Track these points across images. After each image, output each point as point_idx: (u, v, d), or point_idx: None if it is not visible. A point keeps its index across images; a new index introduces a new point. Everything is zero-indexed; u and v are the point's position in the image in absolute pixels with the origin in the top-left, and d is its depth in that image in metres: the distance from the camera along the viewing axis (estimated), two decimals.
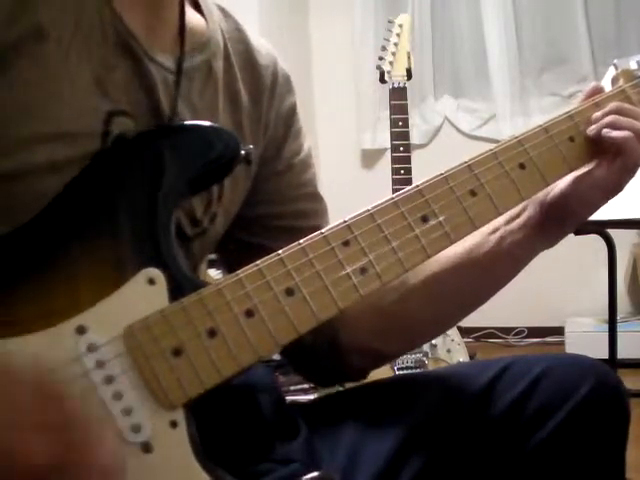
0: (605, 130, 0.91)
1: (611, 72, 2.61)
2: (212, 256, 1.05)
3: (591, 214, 0.94)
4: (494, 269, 0.96)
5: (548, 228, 0.94)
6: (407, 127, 2.54)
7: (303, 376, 1.09)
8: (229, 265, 1.03)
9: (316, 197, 1.05)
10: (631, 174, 0.91)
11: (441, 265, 0.96)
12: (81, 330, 0.72)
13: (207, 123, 0.86)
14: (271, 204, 1.01)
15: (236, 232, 1.00)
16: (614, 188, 0.91)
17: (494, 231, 0.94)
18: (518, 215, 0.94)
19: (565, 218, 0.94)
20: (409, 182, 2.46)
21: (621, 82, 1.00)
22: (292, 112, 1.03)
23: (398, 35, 2.67)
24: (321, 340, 0.98)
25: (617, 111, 0.93)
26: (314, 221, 1.01)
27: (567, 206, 0.92)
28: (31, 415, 0.62)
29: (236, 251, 1.00)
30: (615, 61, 1.03)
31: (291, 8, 3.82)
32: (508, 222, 0.94)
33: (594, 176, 0.91)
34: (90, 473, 0.63)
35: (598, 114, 0.93)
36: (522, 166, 0.90)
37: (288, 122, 1.02)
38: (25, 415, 0.62)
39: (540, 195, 0.93)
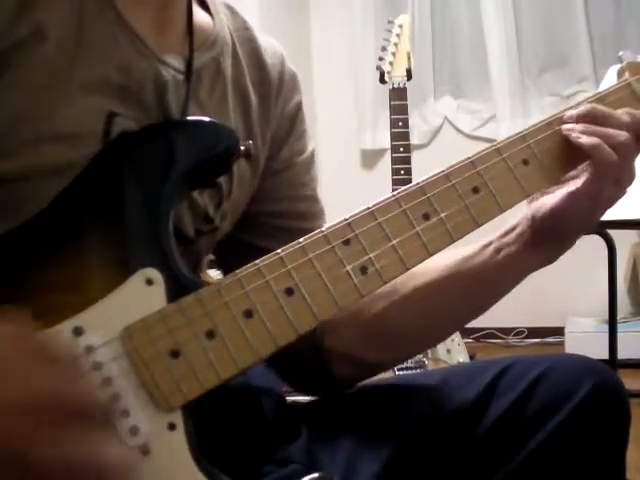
0: (575, 135, 0.89)
1: (611, 73, 2.61)
2: (212, 256, 1.04)
3: (586, 228, 0.92)
4: (488, 281, 0.95)
5: (542, 244, 0.92)
6: (407, 127, 2.54)
7: (289, 384, 1.06)
8: (225, 265, 1.02)
9: (315, 200, 1.04)
10: (611, 181, 0.88)
11: (433, 275, 0.95)
12: (78, 331, 0.72)
13: (206, 119, 0.86)
14: (268, 202, 1.00)
15: (234, 231, 0.99)
16: (603, 201, 0.89)
17: (489, 244, 0.94)
18: (512, 230, 0.93)
19: (558, 234, 0.92)
20: (409, 183, 2.44)
21: (627, 75, 0.97)
22: (297, 111, 1.03)
23: (398, 35, 2.67)
24: (305, 346, 0.94)
25: (590, 115, 0.90)
26: (312, 223, 0.99)
27: (559, 222, 0.91)
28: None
29: (233, 251, 0.99)
30: (620, 53, 1.01)
31: (291, 8, 3.82)
32: (503, 235, 0.94)
33: (582, 190, 0.89)
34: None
35: (572, 113, 0.91)
36: (526, 162, 0.88)
37: (292, 122, 1.02)
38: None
39: (530, 211, 0.92)
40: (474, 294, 0.96)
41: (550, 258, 0.94)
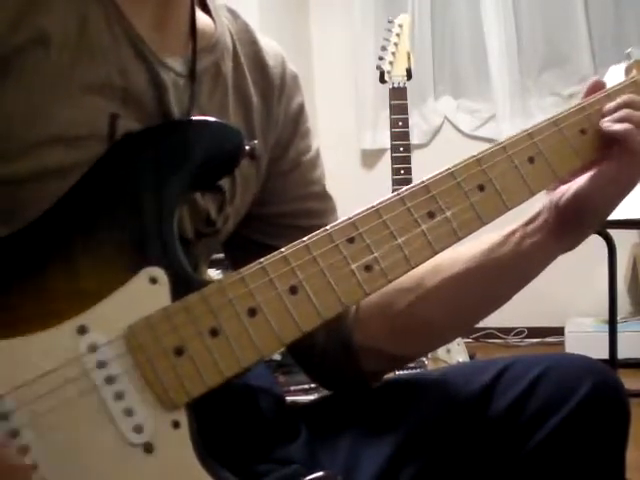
0: (606, 124, 0.90)
1: (611, 72, 2.60)
2: (217, 255, 1.04)
3: (609, 213, 0.92)
4: (515, 270, 0.95)
5: (566, 230, 0.92)
6: (407, 127, 2.54)
7: (315, 380, 1.07)
8: (236, 264, 1.02)
9: (325, 196, 1.04)
10: (637, 166, 0.90)
11: (460, 266, 0.95)
12: (82, 330, 0.72)
13: (211, 119, 0.86)
14: (279, 203, 1.01)
15: (245, 231, 0.99)
16: (627, 183, 0.90)
17: (514, 232, 0.94)
18: (535, 217, 0.94)
19: (582, 219, 0.92)
20: (409, 182, 2.45)
21: (634, 73, 0.97)
22: (299, 112, 1.03)
23: (398, 35, 2.67)
24: (334, 343, 0.97)
25: (629, 104, 0.91)
26: (324, 220, 0.99)
27: (583, 207, 0.91)
28: None
29: (244, 250, 0.98)
30: (629, 50, 1.01)
31: (291, 8, 3.82)
32: (527, 224, 0.94)
33: (606, 173, 0.90)
34: None
35: (611, 105, 0.92)
36: (531, 160, 0.88)
37: (295, 122, 1.02)
38: None
39: (554, 198, 0.92)
40: (500, 284, 0.96)
41: (571, 245, 0.94)
